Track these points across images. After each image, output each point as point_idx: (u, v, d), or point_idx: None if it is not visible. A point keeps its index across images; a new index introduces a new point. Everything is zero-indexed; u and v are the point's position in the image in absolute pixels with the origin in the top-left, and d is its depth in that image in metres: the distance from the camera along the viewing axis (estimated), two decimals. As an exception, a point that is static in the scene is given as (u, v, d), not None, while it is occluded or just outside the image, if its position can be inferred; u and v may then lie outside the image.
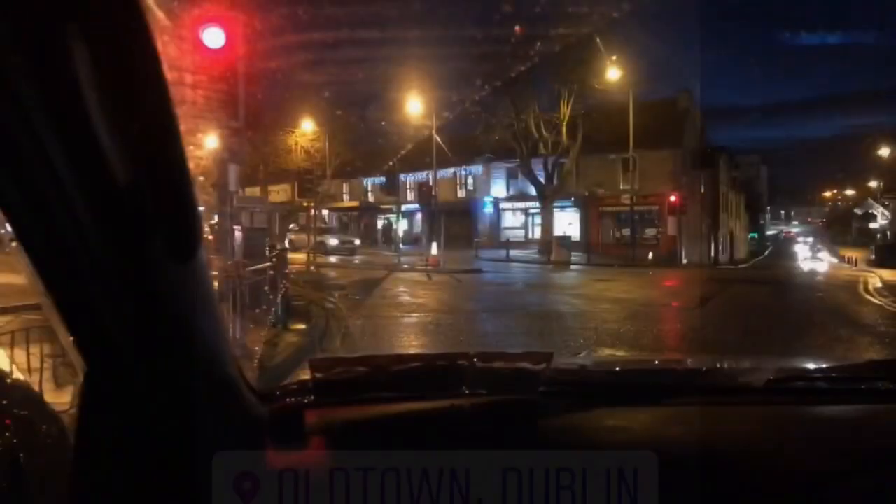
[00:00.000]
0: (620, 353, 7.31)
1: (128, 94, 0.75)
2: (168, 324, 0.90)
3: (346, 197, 50.74)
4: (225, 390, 1.03)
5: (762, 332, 9.38)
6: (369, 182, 48.61)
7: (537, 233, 36.24)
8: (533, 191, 34.08)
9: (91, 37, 0.70)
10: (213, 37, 6.62)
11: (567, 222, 36.98)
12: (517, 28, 17.28)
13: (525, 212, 40.62)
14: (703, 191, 38.92)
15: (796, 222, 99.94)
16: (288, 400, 1.20)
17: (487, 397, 1.19)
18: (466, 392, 1.20)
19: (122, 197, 0.77)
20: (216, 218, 8.72)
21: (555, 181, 32.94)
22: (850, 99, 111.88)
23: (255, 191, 39.12)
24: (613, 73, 27.98)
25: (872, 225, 60.27)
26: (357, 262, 25.17)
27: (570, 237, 33.91)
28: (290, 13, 13.83)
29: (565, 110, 30.60)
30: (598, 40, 25.21)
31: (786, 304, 14.81)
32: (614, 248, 34.70)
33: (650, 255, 31.54)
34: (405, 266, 21.73)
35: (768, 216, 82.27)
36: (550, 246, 30.02)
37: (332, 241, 30.01)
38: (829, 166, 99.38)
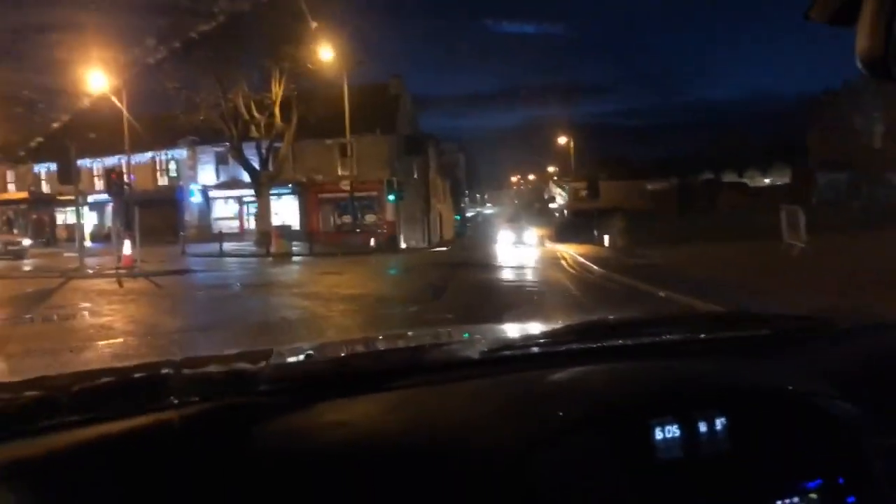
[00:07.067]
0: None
1: None
2: None
3: (11, 187, 42.30)
4: None
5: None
6: (43, 169, 40.79)
7: (253, 223, 33.74)
8: (247, 177, 31.35)
9: None
10: None
11: (285, 210, 35.08)
12: None
13: (239, 200, 37.57)
14: (416, 176, 40.23)
15: (490, 204, 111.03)
16: None
17: (199, 406, 1.06)
18: (175, 403, 1.06)
19: None
20: None
21: (270, 167, 30.68)
22: (532, 92, 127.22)
23: None
24: (327, 53, 26.66)
25: (552, 205, 69.51)
26: (28, 267, 20.28)
27: (290, 226, 32.15)
28: None
29: (277, 90, 28.45)
30: (308, 16, 23.63)
31: (513, 286, 15.19)
32: (336, 235, 33.89)
33: (372, 242, 31.34)
34: (90, 270, 17.84)
35: (467, 199, 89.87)
36: (269, 237, 27.88)
37: (-11, 243, 24.00)
38: (517, 153, 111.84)
